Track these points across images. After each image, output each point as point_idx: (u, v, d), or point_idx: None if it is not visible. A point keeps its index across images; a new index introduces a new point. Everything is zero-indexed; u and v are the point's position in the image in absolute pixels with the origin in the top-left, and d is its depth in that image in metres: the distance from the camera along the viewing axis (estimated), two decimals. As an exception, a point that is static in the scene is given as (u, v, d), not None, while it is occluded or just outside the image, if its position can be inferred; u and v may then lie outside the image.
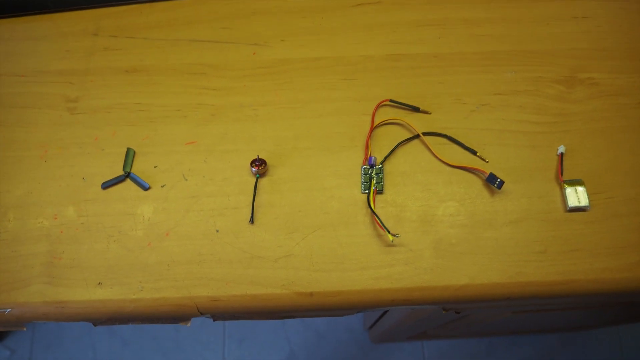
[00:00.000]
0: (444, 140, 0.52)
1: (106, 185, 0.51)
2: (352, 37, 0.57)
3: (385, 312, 0.86)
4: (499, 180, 0.48)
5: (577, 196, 0.49)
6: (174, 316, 0.48)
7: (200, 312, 0.47)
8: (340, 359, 1.25)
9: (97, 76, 0.56)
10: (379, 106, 0.53)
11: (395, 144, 0.51)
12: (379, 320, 0.96)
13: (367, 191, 0.50)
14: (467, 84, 0.54)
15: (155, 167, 0.52)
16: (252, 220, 0.49)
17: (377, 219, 0.47)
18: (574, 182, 0.49)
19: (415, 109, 0.53)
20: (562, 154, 0.50)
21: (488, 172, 0.49)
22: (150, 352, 1.26)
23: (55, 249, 0.48)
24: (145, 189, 0.51)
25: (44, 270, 0.48)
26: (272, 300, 0.47)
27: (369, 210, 0.49)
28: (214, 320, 0.51)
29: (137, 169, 0.52)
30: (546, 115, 0.53)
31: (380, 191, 0.50)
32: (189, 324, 0.49)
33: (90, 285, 0.47)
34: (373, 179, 0.50)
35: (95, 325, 0.50)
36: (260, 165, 0.50)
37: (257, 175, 0.50)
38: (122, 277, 0.47)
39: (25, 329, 0.50)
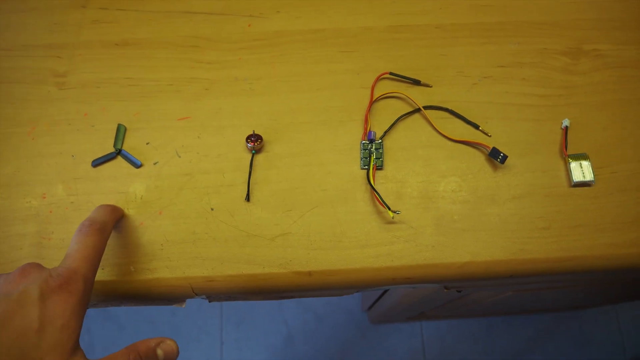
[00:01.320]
0: (446, 114, 0.50)
1: (96, 162, 0.49)
2: (352, 7, 0.55)
3: (384, 292, 0.85)
4: (502, 154, 0.47)
5: (581, 171, 0.47)
6: (168, 297, 0.47)
7: (195, 293, 0.46)
8: (338, 341, 1.25)
9: (86, 50, 0.54)
10: (378, 79, 0.52)
11: (396, 118, 0.50)
12: (378, 301, 0.96)
13: (366, 167, 0.48)
14: (470, 56, 0.53)
15: (147, 143, 0.50)
16: (247, 198, 0.48)
17: (377, 196, 0.46)
18: (578, 157, 0.48)
19: (416, 82, 0.51)
20: (566, 127, 0.49)
21: (491, 147, 0.48)
22: (146, 335, 1.25)
23: (44, 229, 0.47)
24: (137, 166, 0.49)
25: (33, 251, 0.46)
26: (269, 279, 0.45)
27: (369, 186, 0.47)
28: (209, 302, 0.49)
29: (128, 146, 0.50)
30: (550, 88, 0.51)
31: (380, 167, 0.48)
32: (184, 306, 0.48)
33: (81, 266, 0.46)
34: (372, 154, 0.48)
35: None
36: (255, 141, 0.48)
37: (253, 152, 0.49)
38: (114, 257, 0.46)
39: (15, 311, 0.48)
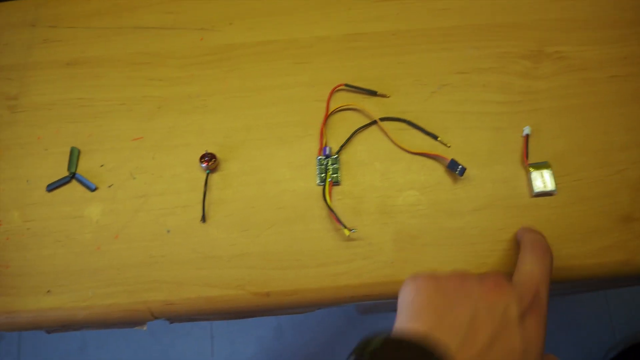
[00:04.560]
0: (403, 125, 0.49)
1: (51, 187, 0.48)
2: (305, 17, 0.54)
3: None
4: (460, 166, 0.46)
5: (543, 180, 0.46)
6: (127, 321, 0.47)
7: (155, 317, 0.46)
8: (328, 331, 1.25)
9: (37, 71, 0.53)
10: (333, 91, 0.50)
11: (352, 131, 0.49)
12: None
13: (322, 183, 0.47)
14: (428, 63, 0.51)
15: (101, 166, 0.49)
16: (203, 219, 0.47)
17: (333, 214, 0.45)
18: (540, 165, 0.47)
19: (372, 93, 0.50)
20: (527, 135, 0.48)
21: (449, 158, 0.46)
22: (139, 331, 1.26)
23: (1, 257, 0.47)
24: (92, 189, 0.48)
25: (-10, 280, 0.46)
26: (228, 301, 0.45)
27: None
28: (170, 323, 0.49)
29: (82, 169, 0.49)
30: (511, 94, 0.50)
31: (336, 182, 0.47)
32: (145, 328, 0.48)
33: (39, 294, 0.45)
34: (329, 170, 0.47)
35: (48, 333, 0.48)
36: (210, 161, 0.47)
37: (208, 171, 0.48)
38: (72, 283, 0.46)
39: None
